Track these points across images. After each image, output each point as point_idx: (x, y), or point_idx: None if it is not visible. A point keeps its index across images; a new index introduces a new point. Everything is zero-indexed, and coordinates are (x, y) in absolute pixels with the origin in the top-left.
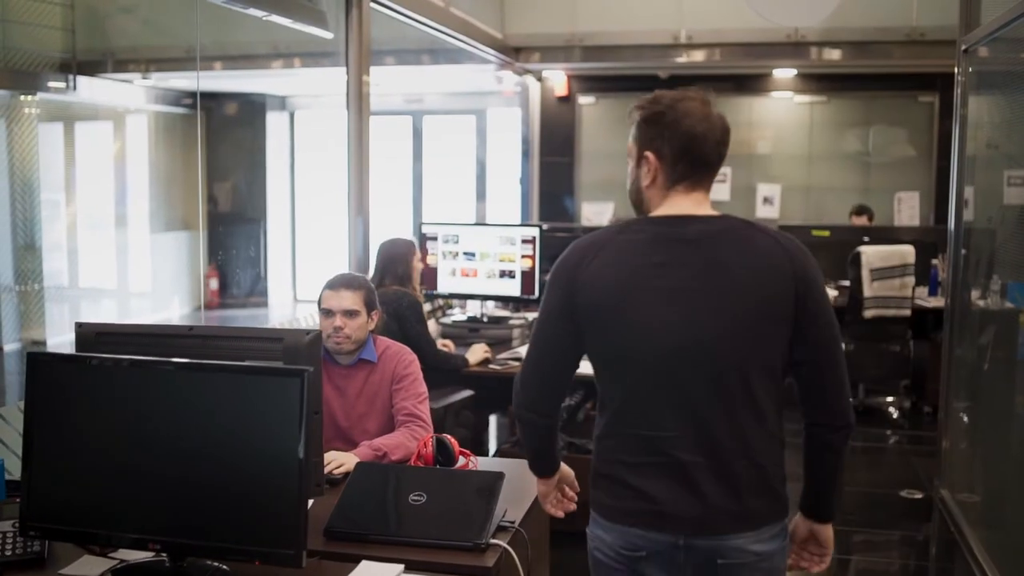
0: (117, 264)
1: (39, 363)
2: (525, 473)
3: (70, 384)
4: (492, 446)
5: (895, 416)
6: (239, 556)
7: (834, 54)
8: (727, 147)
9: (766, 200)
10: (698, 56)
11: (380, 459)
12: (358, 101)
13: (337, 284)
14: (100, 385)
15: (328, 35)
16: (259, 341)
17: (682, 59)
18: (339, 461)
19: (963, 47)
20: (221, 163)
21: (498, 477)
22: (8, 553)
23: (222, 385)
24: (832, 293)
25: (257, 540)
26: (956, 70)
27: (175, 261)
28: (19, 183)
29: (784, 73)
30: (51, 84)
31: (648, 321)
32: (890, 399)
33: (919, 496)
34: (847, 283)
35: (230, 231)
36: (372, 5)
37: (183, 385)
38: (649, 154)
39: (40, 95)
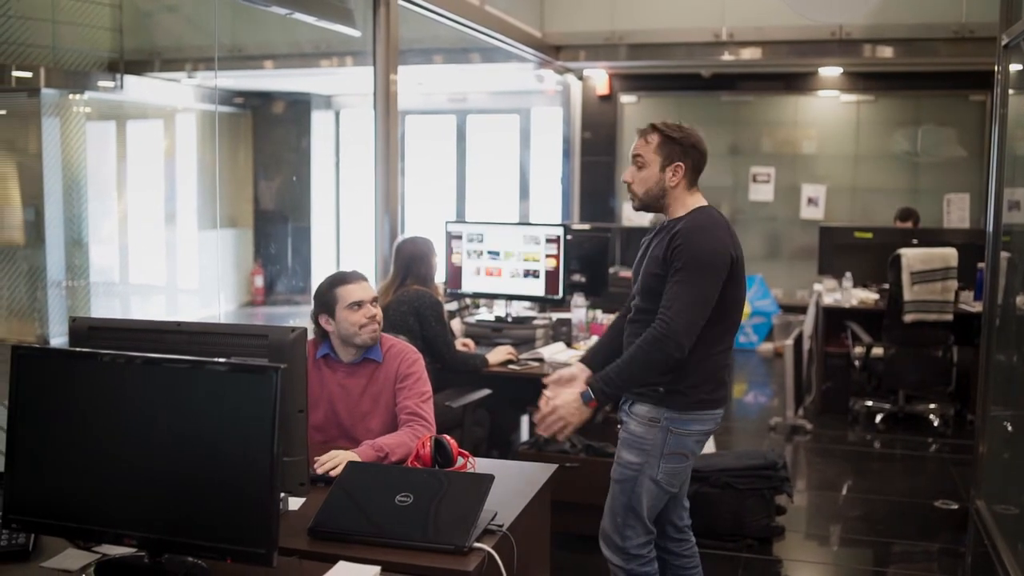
0: (166, 260)
1: (22, 358)
2: (524, 475)
3: (53, 379)
4: None
5: (936, 424)
6: (211, 553)
7: (880, 52)
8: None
9: (810, 201)
10: (742, 54)
11: (382, 459)
12: (385, 100)
13: (354, 277)
14: (81, 380)
15: (356, 33)
16: (245, 338)
17: (726, 57)
18: (336, 459)
19: (1003, 42)
20: (267, 161)
21: (488, 479)
22: None
23: (199, 382)
24: (872, 296)
25: (229, 538)
26: (996, 67)
27: (222, 258)
28: (68, 180)
29: (830, 71)
30: (99, 83)
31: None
32: (932, 406)
33: (955, 507)
34: (887, 286)
35: (275, 229)
36: (401, 3)
37: (160, 381)
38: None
39: (88, 94)
